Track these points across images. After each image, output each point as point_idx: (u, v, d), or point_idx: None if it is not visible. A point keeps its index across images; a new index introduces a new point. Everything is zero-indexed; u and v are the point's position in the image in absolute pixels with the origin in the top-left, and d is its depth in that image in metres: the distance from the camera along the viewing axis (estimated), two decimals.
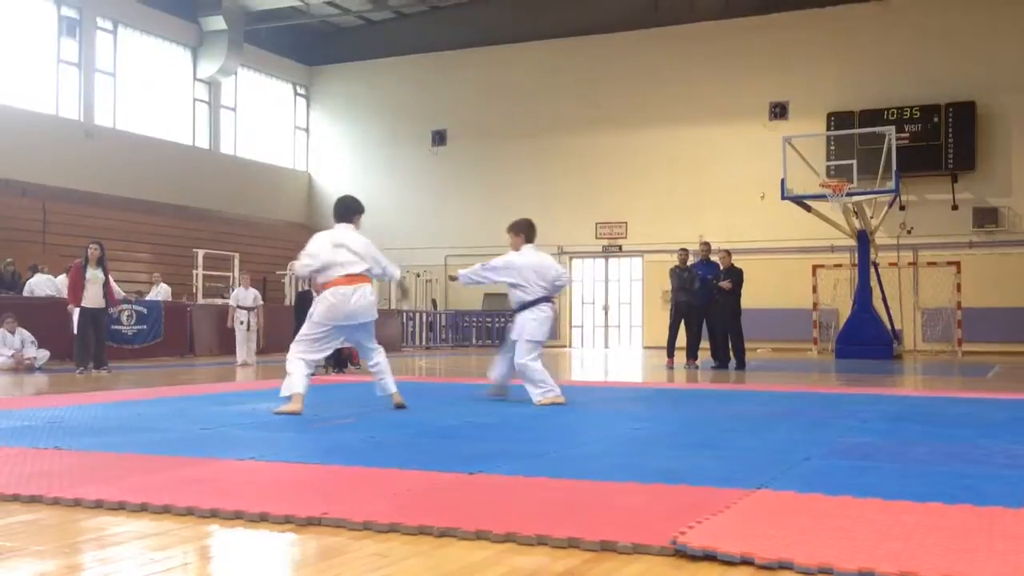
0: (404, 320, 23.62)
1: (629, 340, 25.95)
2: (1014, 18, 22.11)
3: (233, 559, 2.72)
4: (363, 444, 4.78)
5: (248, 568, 2.63)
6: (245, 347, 14.68)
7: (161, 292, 17.98)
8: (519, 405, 7.09)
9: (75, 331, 11.60)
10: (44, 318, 13.21)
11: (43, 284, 15.29)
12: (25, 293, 15.13)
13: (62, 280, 15.83)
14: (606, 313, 26.26)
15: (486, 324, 25.48)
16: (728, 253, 14.19)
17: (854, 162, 17.44)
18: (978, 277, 20.84)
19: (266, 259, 23.43)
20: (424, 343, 24.14)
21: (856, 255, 18.10)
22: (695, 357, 14.19)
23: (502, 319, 25.30)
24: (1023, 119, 22.11)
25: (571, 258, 26.17)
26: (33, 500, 3.32)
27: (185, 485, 3.53)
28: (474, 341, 25.37)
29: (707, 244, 14.98)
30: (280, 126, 28.63)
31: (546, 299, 7.30)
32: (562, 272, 7.61)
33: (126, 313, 15.24)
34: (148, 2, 23.61)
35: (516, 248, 7.45)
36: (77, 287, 11.55)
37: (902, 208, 21.51)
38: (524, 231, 7.48)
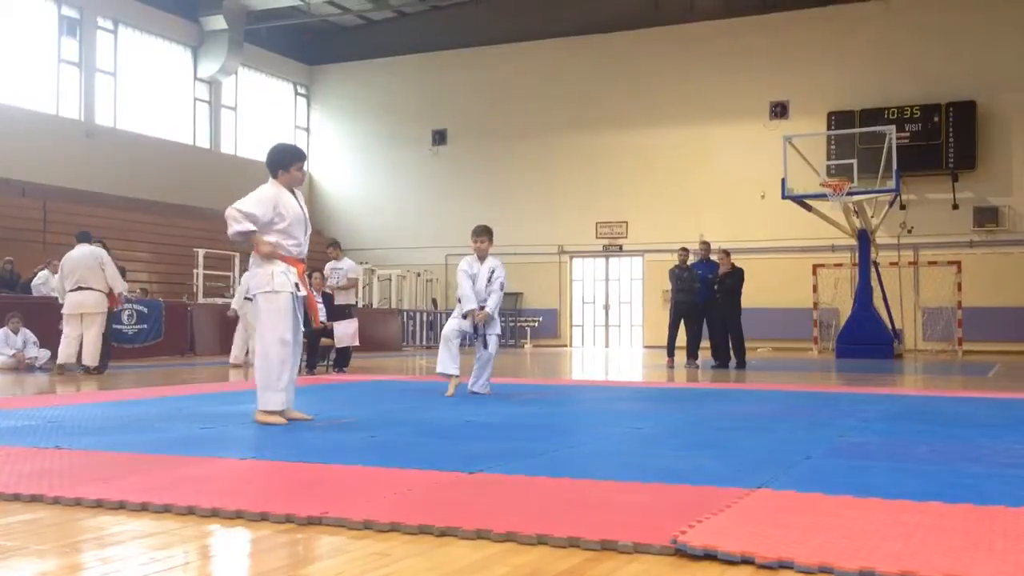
0: (404, 319, 23.61)
1: (629, 339, 25.95)
2: (1014, 17, 22.09)
3: (234, 558, 2.72)
4: (363, 443, 4.78)
5: (249, 568, 2.63)
6: (240, 344, 13.89)
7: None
8: (519, 404, 7.09)
9: None
10: (45, 317, 13.20)
11: (38, 284, 15.30)
12: (35, 293, 15.14)
13: (56, 281, 15.79)
14: (606, 312, 26.27)
15: None
16: (727, 254, 14.13)
17: (854, 161, 17.45)
18: (978, 276, 20.85)
19: None
20: (425, 342, 24.13)
21: (857, 254, 18.11)
22: (695, 356, 14.19)
23: (503, 319, 25.29)
24: (1023, 118, 22.11)
25: (571, 257, 26.21)
26: (34, 499, 3.32)
27: (186, 484, 3.53)
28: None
29: (706, 243, 14.98)
30: (280, 125, 28.61)
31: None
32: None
33: (127, 313, 15.23)
34: (149, 1, 23.60)
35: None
36: None
37: (902, 207, 21.52)
38: None
